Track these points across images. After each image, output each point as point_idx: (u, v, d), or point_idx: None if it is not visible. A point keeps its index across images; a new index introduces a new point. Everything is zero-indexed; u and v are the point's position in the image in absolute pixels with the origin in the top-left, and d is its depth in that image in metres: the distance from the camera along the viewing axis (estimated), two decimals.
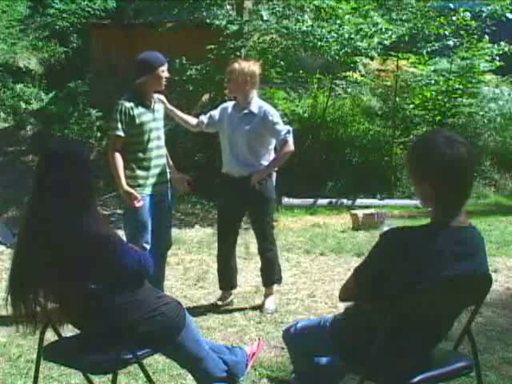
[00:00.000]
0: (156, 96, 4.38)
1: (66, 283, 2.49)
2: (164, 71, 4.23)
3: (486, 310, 4.41)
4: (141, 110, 4.21)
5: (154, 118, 4.29)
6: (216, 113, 4.63)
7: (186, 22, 10.75)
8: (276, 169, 4.63)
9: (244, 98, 4.45)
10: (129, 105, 4.18)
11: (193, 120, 4.66)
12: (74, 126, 10.71)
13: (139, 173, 4.23)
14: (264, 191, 4.51)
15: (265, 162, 4.51)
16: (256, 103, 4.50)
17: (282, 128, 4.48)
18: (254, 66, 4.46)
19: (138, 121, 4.18)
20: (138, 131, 4.20)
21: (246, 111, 4.46)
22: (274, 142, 4.53)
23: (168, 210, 4.53)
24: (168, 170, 4.46)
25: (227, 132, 4.52)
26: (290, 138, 4.47)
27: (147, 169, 4.26)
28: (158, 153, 4.33)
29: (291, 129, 4.56)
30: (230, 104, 4.63)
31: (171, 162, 4.55)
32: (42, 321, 2.65)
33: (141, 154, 4.23)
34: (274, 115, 4.48)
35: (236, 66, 4.41)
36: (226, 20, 9.53)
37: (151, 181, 4.29)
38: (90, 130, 10.64)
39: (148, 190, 4.27)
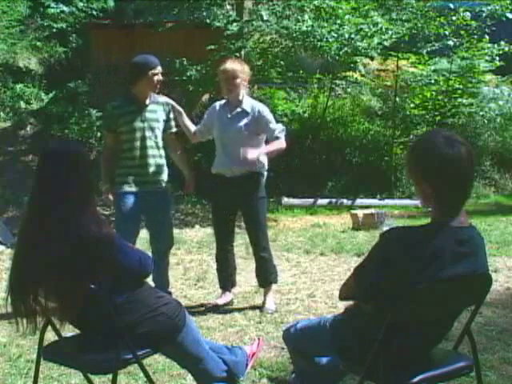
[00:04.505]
0: (162, 99, 4.44)
1: (65, 283, 2.48)
2: (156, 74, 4.28)
3: (486, 310, 4.41)
4: (127, 110, 4.36)
5: (142, 118, 4.35)
6: (207, 115, 4.63)
7: (186, 22, 10.75)
8: (267, 167, 4.62)
9: (236, 96, 4.46)
10: (114, 105, 4.42)
11: (192, 129, 4.65)
12: (74, 126, 10.71)
13: (123, 170, 4.40)
14: (256, 190, 4.51)
15: (257, 162, 4.50)
16: (248, 101, 4.52)
17: (276, 127, 4.52)
18: (245, 64, 4.57)
19: (122, 120, 4.35)
20: (123, 130, 4.36)
21: (238, 109, 4.47)
22: (264, 140, 4.56)
23: (165, 211, 4.53)
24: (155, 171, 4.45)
25: (219, 132, 4.52)
26: (283, 136, 4.52)
27: (130, 167, 4.38)
28: (144, 153, 4.36)
29: (284, 128, 4.60)
30: (217, 104, 4.62)
31: (184, 164, 4.67)
32: (42, 320, 2.65)
33: (126, 153, 4.39)
34: (268, 113, 4.52)
35: (232, 65, 4.43)
36: (226, 20, 9.54)
37: (134, 179, 4.36)
38: (90, 130, 10.63)
39: (129, 188, 4.36)
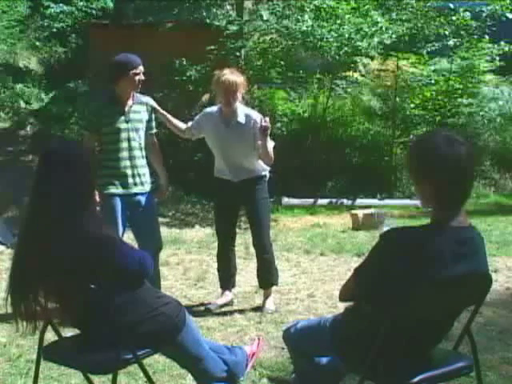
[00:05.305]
0: (145, 99, 4.37)
1: (66, 283, 2.49)
2: (138, 74, 4.21)
3: (486, 310, 4.40)
4: (110, 110, 4.26)
5: (126, 119, 4.27)
6: (200, 120, 4.58)
7: (186, 22, 10.74)
8: (268, 169, 4.62)
9: (233, 108, 4.41)
10: (98, 104, 4.36)
11: (182, 126, 4.62)
12: (74, 126, 10.70)
13: (108, 171, 4.27)
14: (258, 191, 4.52)
15: (258, 167, 4.53)
16: (241, 112, 4.45)
17: (268, 139, 4.42)
18: (241, 75, 4.49)
19: (106, 121, 4.25)
20: (107, 131, 4.26)
21: (233, 123, 4.43)
22: None
23: (152, 213, 4.48)
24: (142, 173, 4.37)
25: (216, 143, 4.50)
26: (272, 150, 4.45)
27: (116, 168, 4.28)
28: (130, 154, 4.29)
29: (274, 143, 4.55)
30: (213, 110, 4.57)
31: (161, 168, 4.56)
32: (42, 320, 2.65)
33: (111, 154, 4.29)
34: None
35: (233, 78, 4.34)
36: (225, 20, 9.54)
37: (120, 181, 4.28)
38: None
39: (115, 190, 4.27)
